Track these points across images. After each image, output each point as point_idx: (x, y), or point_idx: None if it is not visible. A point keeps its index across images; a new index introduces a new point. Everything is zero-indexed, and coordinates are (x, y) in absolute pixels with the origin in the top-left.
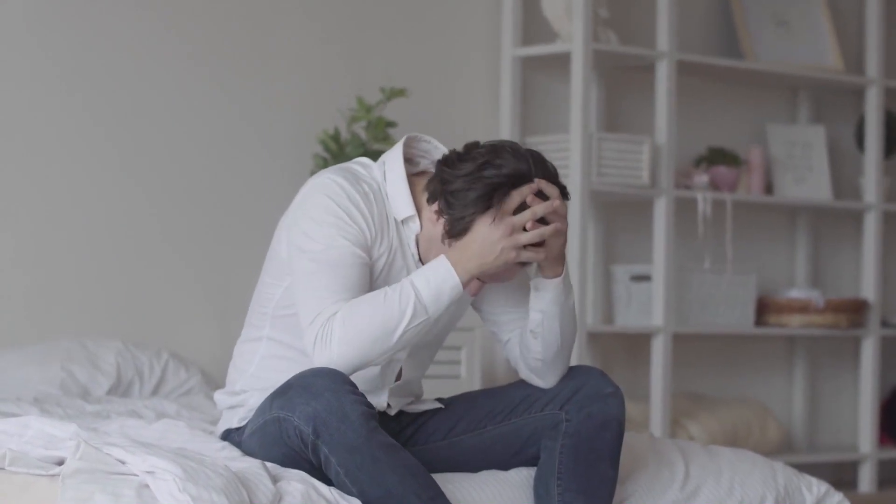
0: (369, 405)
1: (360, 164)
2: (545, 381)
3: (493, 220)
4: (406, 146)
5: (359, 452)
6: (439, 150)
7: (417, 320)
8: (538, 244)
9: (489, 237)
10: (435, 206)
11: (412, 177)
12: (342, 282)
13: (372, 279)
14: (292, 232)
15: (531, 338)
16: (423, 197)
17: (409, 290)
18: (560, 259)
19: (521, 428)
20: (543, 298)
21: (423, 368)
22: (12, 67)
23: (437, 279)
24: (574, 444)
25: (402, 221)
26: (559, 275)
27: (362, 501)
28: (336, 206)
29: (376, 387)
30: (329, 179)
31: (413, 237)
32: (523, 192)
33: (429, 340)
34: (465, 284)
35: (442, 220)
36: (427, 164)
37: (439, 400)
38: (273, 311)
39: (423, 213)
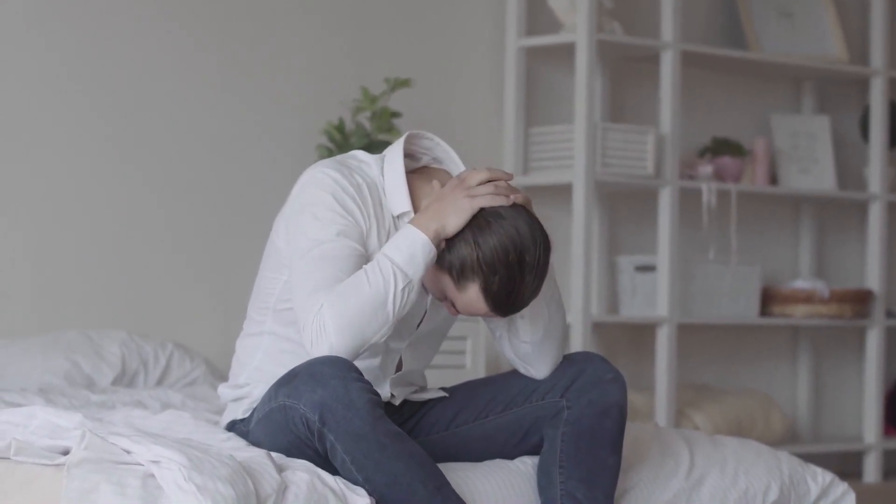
0: (375, 393)
1: (355, 157)
2: (536, 370)
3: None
4: (407, 142)
5: (365, 440)
6: (441, 146)
7: (401, 285)
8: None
9: (450, 194)
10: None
11: (412, 173)
12: (339, 277)
13: None
14: (290, 227)
15: (518, 318)
16: (422, 193)
17: (384, 261)
18: None
19: (522, 417)
20: None
21: (425, 360)
22: (16, 64)
23: (406, 244)
24: (575, 432)
25: (398, 216)
26: None
27: (368, 489)
28: (332, 198)
29: (377, 378)
30: (322, 173)
31: None
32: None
33: (425, 333)
34: (434, 241)
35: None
36: (428, 160)
37: (442, 389)
38: (274, 305)
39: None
